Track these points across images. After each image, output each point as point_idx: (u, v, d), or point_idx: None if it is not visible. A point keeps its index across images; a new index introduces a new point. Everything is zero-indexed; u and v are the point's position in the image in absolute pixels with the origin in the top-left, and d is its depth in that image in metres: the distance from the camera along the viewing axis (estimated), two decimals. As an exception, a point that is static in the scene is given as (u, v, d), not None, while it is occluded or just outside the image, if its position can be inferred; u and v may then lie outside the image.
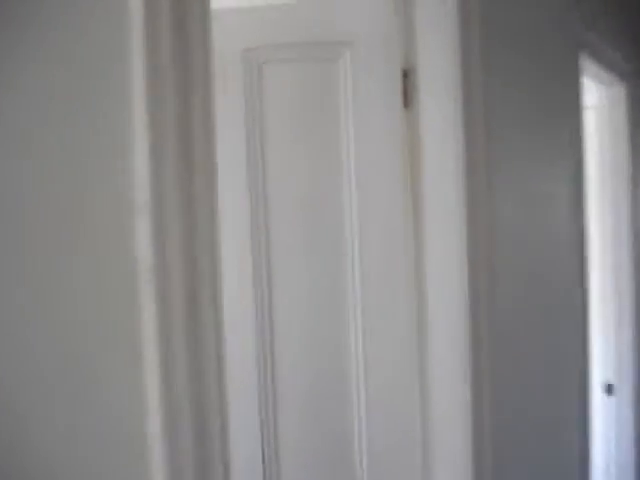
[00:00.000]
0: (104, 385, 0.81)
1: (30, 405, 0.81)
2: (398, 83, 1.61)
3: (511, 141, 1.74)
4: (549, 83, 2.06)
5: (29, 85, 0.81)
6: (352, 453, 1.67)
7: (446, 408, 1.53)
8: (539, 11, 1.98)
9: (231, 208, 1.72)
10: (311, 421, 1.70)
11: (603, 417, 2.98)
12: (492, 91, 1.57)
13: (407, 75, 1.60)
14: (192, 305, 0.84)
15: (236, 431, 1.75)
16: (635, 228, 3.05)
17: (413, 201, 1.54)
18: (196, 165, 0.86)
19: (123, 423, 0.81)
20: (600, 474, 2.97)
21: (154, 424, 0.79)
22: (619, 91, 2.96)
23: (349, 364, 1.66)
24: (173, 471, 0.81)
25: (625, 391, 2.99)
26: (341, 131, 1.68)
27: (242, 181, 1.71)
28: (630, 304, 3.00)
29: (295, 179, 1.72)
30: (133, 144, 0.79)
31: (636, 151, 3.04)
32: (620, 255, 2.98)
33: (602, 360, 2.96)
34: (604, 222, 2.97)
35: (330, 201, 1.70)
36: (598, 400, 2.92)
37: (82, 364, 0.81)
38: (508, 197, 1.70)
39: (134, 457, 0.81)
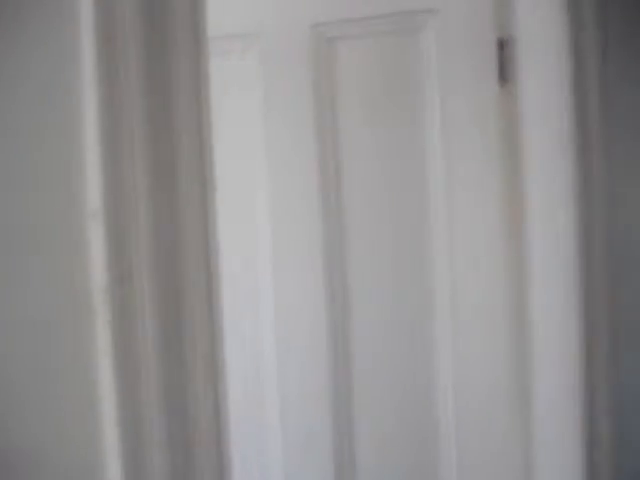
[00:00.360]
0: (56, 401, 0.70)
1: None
2: (493, 56, 1.37)
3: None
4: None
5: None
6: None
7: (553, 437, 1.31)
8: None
9: (298, 214, 1.56)
10: (391, 451, 1.52)
11: None
12: (611, 65, 1.29)
13: (504, 46, 1.35)
14: (172, 319, 0.73)
15: (306, 448, 1.63)
16: None
17: (512, 201, 1.31)
18: (178, 165, 0.72)
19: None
20: None
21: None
22: None
23: (436, 392, 1.46)
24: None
25: None
26: (425, 115, 1.45)
27: (312, 181, 1.52)
28: None
29: (372, 177, 1.51)
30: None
31: None
32: None
33: None
34: None
35: (413, 203, 1.47)
36: None
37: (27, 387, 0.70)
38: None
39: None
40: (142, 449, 0.69)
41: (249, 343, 1.58)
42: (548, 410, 1.32)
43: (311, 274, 1.53)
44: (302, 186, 1.54)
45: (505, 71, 1.36)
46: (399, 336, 1.49)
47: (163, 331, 0.71)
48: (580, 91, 1.21)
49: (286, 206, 1.56)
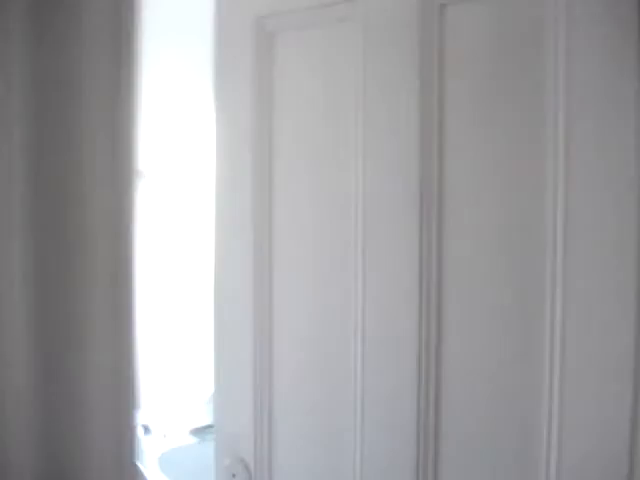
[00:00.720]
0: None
1: None
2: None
3: None
4: None
5: None
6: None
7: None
8: None
9: (393, 207, 1.32)
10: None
11: None
12: None
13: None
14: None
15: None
16: None
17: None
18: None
19: None
20: None
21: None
22: None
23: (539, 428, 1.24)
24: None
25: None
26: (546, 98, 1.21)
27: (411, 170, 1.26)
28: None
29: (480, 169, 1.27)
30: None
31: None
32: None
33: None
34: None
35: (526, 204, 1.24)
36: None
37: None
38: None
39: None
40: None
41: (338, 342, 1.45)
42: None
43: (405, 277, 1.35)
44: (398, 175, 1.31)
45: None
46: (498, 359, 1.26)
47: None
48: None
49: (380, 199, 1.31)
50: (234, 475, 1.63)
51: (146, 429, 3.20)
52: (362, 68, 1.40)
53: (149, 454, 2.97)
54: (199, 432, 3.21)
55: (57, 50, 0.97)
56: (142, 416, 3.32)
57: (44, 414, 1.04)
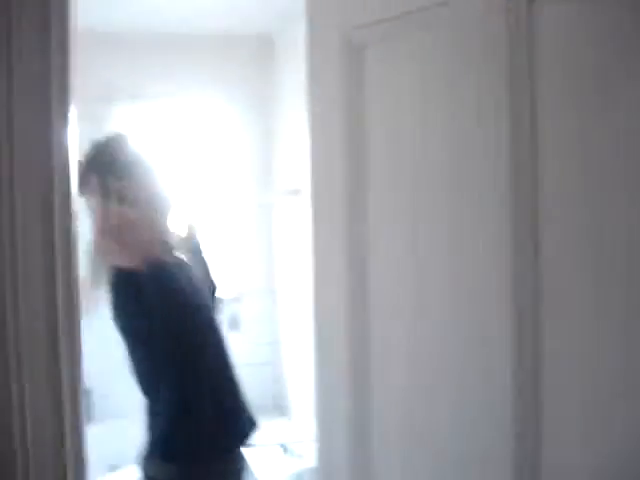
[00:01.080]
0: None
1: None
2: None
3: None
4: None
5: None
6: None
7: None
8: None
9: (484, 203, 1.27)
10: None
11: None
12: None
13: None
14: None
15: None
16: None
17: None
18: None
19: None
20: None
21: None
22: None
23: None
24: None
25: None
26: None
27: (501, 165, 1.18)
28: None
29: (576, 167, 1.17)
30: None
31: None
32: None
33: None
34: None
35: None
36: None
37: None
38: None
39: None
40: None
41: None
42: None
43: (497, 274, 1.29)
44: (489, 170, 1.27)
45: None
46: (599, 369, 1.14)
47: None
48: None
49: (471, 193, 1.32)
50: None
51: (285, 448, 3.25)
52: (450, 73, 1.36)
53: (283, 473, 3.01)
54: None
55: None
56: (281, 436, 3.38)
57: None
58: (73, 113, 1.17)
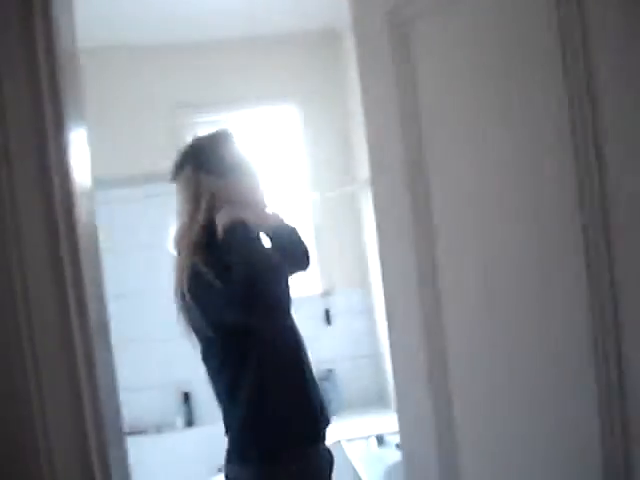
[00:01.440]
0: None
1: None
2: None
3: None
4: None
5: None
6: None
7: None
8: None
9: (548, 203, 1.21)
10: None
11: None
12: None
13: None
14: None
15: None
16: None
17: None
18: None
19: None
20: None
21: None
22: None
23: None
24: None
25: None
26: None
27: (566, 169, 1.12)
28: None
29: None
30: None
31: None
32: None
33: None
34: None
35: None
36: None
37: None
38: None
39: None
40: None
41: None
42: None
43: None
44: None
45: None
46: None
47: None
48: None
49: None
50: None
51: (380, 440, 3.20)
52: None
53: (379, 464, 2.96)
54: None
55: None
56: (378, 427, 3.34)
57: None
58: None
